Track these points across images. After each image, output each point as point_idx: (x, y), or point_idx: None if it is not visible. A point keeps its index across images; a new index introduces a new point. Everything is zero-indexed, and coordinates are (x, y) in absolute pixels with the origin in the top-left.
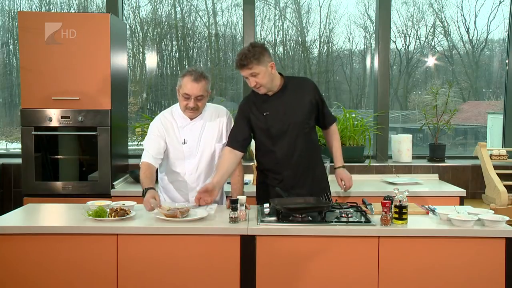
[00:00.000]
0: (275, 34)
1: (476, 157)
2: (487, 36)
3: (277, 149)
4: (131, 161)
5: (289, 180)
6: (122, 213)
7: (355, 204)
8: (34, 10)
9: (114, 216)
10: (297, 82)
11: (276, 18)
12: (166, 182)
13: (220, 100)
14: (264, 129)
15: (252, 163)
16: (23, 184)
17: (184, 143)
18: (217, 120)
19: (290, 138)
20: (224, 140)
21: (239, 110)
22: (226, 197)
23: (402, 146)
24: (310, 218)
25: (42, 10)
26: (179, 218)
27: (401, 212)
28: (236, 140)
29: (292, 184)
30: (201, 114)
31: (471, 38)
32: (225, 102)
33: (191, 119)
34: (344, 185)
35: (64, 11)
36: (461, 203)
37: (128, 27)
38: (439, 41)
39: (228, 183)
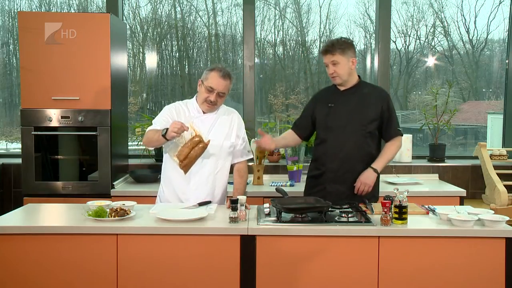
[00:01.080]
0: (275, 34)
1: (476, 157)
2: (487, 36)
3: (328, 140)
4: (131, 161)
5: (330, 173)
6: (122, 213)
7: (355, 204)
8: (34, 10)
9: (114, 216)
10: (371, 87)
11: (276, 18)
12: (168, 173)
13: None
14: (323, 119)
15: (252, 163)
16: (23, 184)
17: None
18: (229, 118)
19: (343, 135)
20: (233, 140)
21: (311, 98)
22: (227, 197)
23: (402, 146)
24: (310, 218)
25: (42, 10)
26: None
27: (401, 212)
28: (296, 125)
29: (333, 179)
30: (215, 110)
31: (471, 38)
32: (225, 102)
33: (205, 113)
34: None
35: (64, 11)
36: (461, 203)
37: (128, 27)
38: (439, 41)
39: (230, 183)
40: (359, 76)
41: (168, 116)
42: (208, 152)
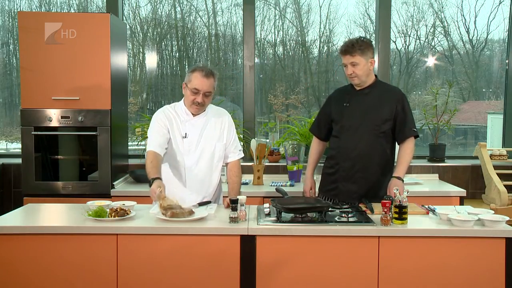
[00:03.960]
0: (275, 34)
1: (476, 157)
2: (487, 36)
3: (341, 139)
4: (131, 161)
5: (343, 172)
6: (122, 213)
7: (355, 204)
8: (34, 10)
9: (114, 216)
10: (386, 87)
11: (276, 18)
12: (166, 175)
13: (220, 100)
14: (338, 118)
15: (252, 163)
16: (23, 184)
17: (185, 137)
18: (219, 119)
19: (356, 134)
20: (225, 141)
21: (327, 99)
22: (224, 197)
23: None
24: (310, 218)
25: (42, 10)
26: (168, 217)
27: (401, 212)
28: (318, 128)
29: (346, 178)
30: (204, 112)
31: (471, 38)
32: (225, 102)
33: (195, 115)
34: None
35: (64, 11)
36: (461, 203)
37: (128, 27)
38: (439, 41)
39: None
40: (376, 75)
41: (162, 126)
42: (203, 153)
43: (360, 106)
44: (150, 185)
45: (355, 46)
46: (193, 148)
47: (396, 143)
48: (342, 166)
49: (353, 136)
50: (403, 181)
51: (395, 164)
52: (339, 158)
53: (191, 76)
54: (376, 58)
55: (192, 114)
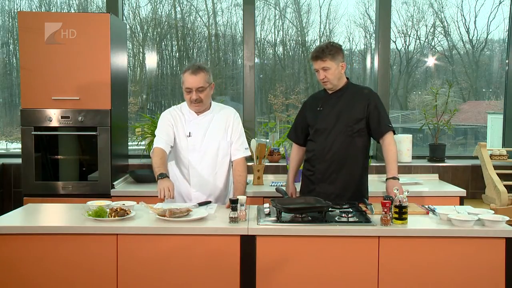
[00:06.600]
0: (275, 34)
1: (476, 157)
2: (487, 36)
3: (316, 142)
4: (131, 161)
5: (319, 174)
6: (122, 213)
7: (355, 204)
8: (34, 10)
9: (114, 216)
10: (357, 88)
11: (276, 18)
12: (171, 173)
13: (220, 100)
14: (313, 122)
15: (252, 163)
16: (23, 184)
17: (189, 136)
18: (224, 117)
19: (330, 136)
20: (229, 138)
21: (302, 105)
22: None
23: (402, 146)
24: (310, 218)
25: (42, 10)
26: (167, 216)
27: (401, 212)
28: (295, 134)
29: (322, 179)
30: (209, 110)
31: (471, 38)
32: (225, 102)
33: (198, 113)
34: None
35: (64, 11)
36: (461, 203)
37: (128, 27)
38: (439, 41)
39: None
40: (348, 78)
41: (168, 125)
42: (208, 151)
43: (333, 109)
44: (157, 180)
45: (325, 51)
46: (197, 146)
47: (376, 141)
48: (318, 168)
49: (327, 138)
50: (398, 179)
51: (370, 162)
52: (315, 160)
53: (182, 78)
54: (376, 58)
55: (196, 113)
